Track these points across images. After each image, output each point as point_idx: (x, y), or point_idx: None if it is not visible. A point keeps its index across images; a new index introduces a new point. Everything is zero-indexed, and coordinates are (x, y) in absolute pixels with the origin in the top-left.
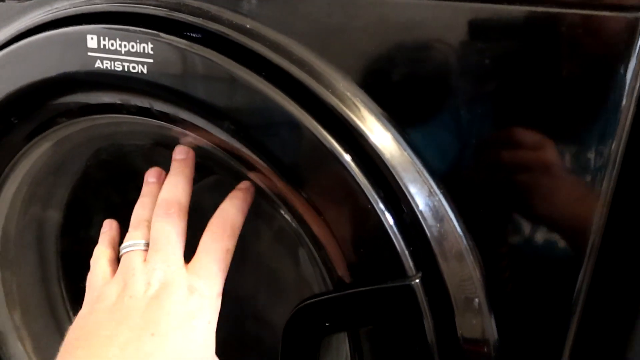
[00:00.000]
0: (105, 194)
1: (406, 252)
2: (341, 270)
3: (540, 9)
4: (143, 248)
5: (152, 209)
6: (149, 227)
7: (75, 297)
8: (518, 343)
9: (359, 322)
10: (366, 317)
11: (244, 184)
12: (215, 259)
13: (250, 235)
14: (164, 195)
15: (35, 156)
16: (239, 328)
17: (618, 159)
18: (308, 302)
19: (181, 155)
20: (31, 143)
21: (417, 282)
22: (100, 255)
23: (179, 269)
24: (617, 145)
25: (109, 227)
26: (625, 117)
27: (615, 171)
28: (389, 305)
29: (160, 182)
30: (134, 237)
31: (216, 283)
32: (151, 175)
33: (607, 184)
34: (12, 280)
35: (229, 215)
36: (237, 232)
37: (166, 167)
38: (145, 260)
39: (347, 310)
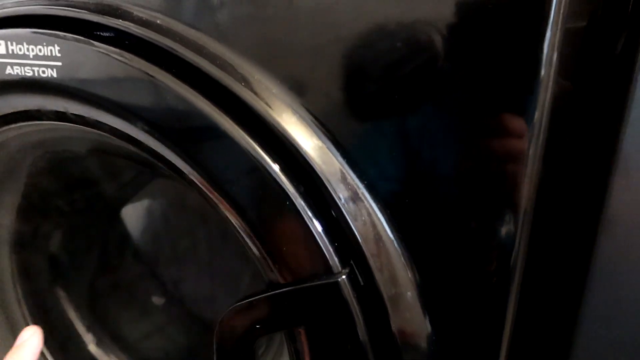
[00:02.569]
0: (52, 203)
1: (330, 249)
2: (270, 272)
3: None
4: None
5: None
6: None
7: (32, 302)
8: (453, 336)
9: (290, 323)
10: (296, 317)
11: (27, 332)
12: None
13: (203, 238)
14: None
15: None
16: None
17: (542, 135)
18: (237, 305)
19: (28, 334)
20: None
21: (343, 279)
22: None
23: None
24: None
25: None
26: (546, 88)
27: (538, 155)
28: (318, 303)
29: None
30: None
31: None
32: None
33: (531, 166)
34: None
35: None
36: None
37: (106, 174)
38: None
39: (276, 311)
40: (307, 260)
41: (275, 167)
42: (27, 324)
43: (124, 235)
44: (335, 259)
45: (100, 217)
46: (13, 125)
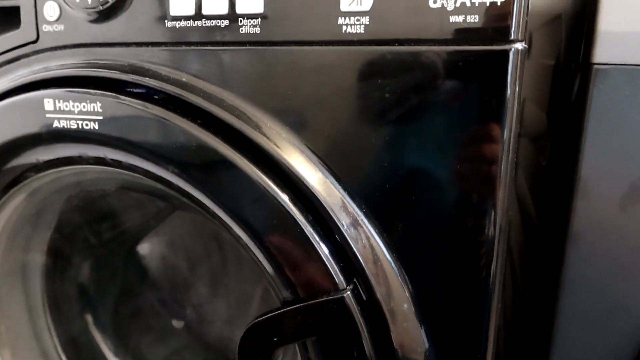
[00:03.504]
0: (82, 235)
1: (336, 268)
2: (283, 290)
3: (424, 48)
4: None
5: None
6: None
7: (62, 330)
8: (449, 349)
9: (303, 334)
10: (308, 329)
11: None
12: None
13: (218, 261)
14: None
15: (11, 208)
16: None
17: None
18: (256, 320)
19: None
20: (5, 197)
21: (348, 294)
22: None
23: None
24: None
25: None
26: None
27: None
28: (327, 316)
29: None
30: None
31: None
32: None
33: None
34: (0, 321)
35: None
36: None
37: (131, 208)
38: None
39: (290, 325)
40: (316, 279)
41: (286, 198)
42: (58, 352)
43: (146, 262)
44: (341, 277)
45: (123, 247)
46: (55, 169)
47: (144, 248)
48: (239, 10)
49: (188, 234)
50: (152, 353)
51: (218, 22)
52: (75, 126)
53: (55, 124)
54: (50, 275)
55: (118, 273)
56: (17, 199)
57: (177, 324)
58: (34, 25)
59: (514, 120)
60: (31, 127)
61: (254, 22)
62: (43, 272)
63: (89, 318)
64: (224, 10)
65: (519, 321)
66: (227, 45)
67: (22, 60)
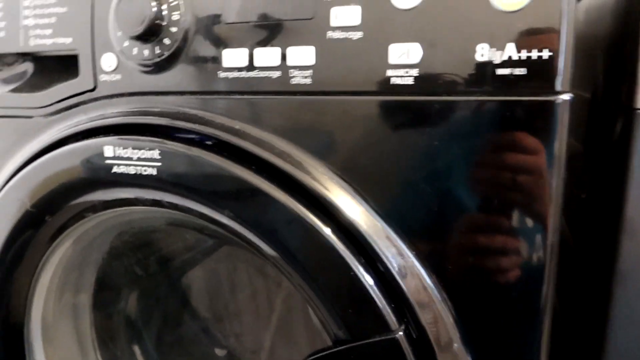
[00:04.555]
0: (130, 269)
1: (388, 309)
2: (335, 328)
3: (471, 98)
4: None
5: None
6: None
7: None
8: None
9: None
10: None
11: None
12: None
13: (262, 294)
14: None
15: (58, 256)
16: None
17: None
18: (311, 358)
19: None
20: (54, 245)
21: (400, 335)
22: None
23: None
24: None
25: None
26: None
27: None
28: (379, 356)
29: None
30: None
31: None
32: None
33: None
34: (53, 354)
35: None
36: None
37: (179, 243)
38: None
39: None
40: (368, 320)
41: (339, 242)
42: None
43: (190, 291)
44: (393, 317)
45: (169, 277)
46: (111, 210)
47: (189, 278)
48: (290, 62)
49: (233, 266)
50: None
51: (269, 73)
52: (133, 172)
53: (115, 169)
54: (98, 311)
55: (161, 301)
56: (65, 246)
57: (219, 352)
58: (92, 75)
59: (562, 167)
60: (91, 172)
61: (305, 73)
62: (91, 308)
63: (137, 349)
64: (275, 62)
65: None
66: (279, 95)
67: (80, 107)
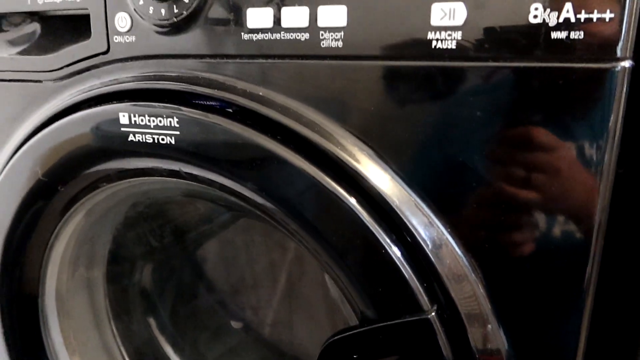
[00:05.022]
0: (144, 239)
1: (420, 289)
2: (364, 307)
3: (521, 64)
4: None
5: None
6: None
7: (124, 335)
8: (530, 351)
9: (384, 354)
10: (390, 349)
11: None
12: None
13: (279, 266)
14: None
15: (70, 229)
16: (276, 352)
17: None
18: (337, 337)
19: None
20: (66, 216)
21: (433, 316)
22: None
23: None
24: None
25: None
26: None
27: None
28: (410, 337)
29: None
30: None
31: None
32: None
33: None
34: (69, 326)
35: None
36: None
37: (196, 215)
38: None
39: (371, 343)
40: (400, 299)
41: (370, 218)
42: (124, 356)
43: (206, 263)
44: (425, 297)
45: (185, 249)
46: (127, 180)
47: (205, 249)
48: (321, 23)
49: (251, 238)
50: (209, 350)
51: (298, 35)
52: (150, 140)
53: (131, 138)
54: (112, 284)
55: (176, 273)
56: (77, 218)
57: (235, 324)
58: (105, 36)
59: (616, 140)
60: (106, 140)
61: (336, 35)
62: (105, 282)
63: (152, 321)
64: (304, 23)
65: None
66: (307, 59)
67: (92, 71)
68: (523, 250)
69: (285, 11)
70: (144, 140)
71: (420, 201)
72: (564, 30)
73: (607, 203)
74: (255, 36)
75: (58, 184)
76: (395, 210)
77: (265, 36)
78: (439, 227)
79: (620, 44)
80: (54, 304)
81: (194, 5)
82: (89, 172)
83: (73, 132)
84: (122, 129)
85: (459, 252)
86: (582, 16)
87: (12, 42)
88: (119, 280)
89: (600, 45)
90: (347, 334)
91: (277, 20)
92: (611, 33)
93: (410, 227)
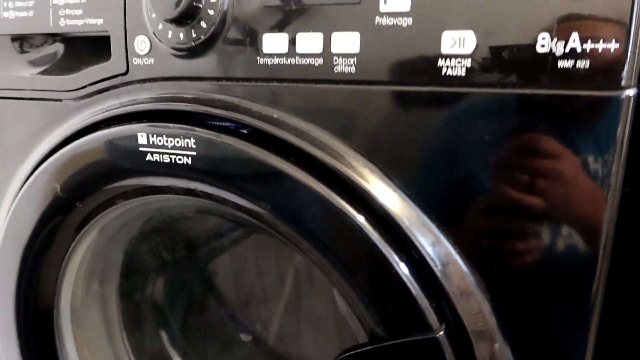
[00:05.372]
0: (157, 253)
1: (430, 309)
2: (373, 324)
3: (529, 91)
4: None
5: None
6: None
7: (136, 347)
8: None
9: None
10: None
11: None
12: None
13: (289, 280)
14: None
15: (85, 246)
16: None
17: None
18: (346, 354)
19: None
20: (80, 234)
21: (442, 335)
22: None
23: None
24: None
25: None
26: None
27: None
28: (419, 355)
29: None
30: None
31: None
32: None
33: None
34: (82, 338)
35: None
36: None
37: (208, 230)
38: None
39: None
40: (409, 318)
41: (380, 238)
42: None
43: (217, 277)
44: (434, 316)
45: (197, 263)
46: (143, 197)
47: (216, 263)
48: (334, 49)
49: (261, 252)
50: None
51: (312, 61)
52: (168, 160)
53: (148, 157)
54: (125, 298)
55: (187, 286)
56: (91, 235)
57: (245, 337)
58: (124, 58)
59: (621, 167)
60: (124, 159)
61: (349, 61)
62: (118, 296)
63: (163, 334)
64: (318, 49)
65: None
66: (320, 83)
67: (112, 92)
68: (528, 268)
69: (300, 37)
70: (162, 160)
71: (428, 220)
72: (571, 59)
73: (613, 222)
74: (270, 60)
75: (76, 201)
76: (404, 230)
77: (280, 61)
78: (446, 246)
79: (625, 72)
80: (69, 317)
81: (211, 30)
82: (106, 189)
83: (92, 151)
84: (140, 148)
85: (466, 269)
86: (588, 46)
87: (34, 63)
88: (132, 294)
89: (606, 74)
90: (357, 351)
91: (292, 45)
92: (616, 62)
93: (418, 245)
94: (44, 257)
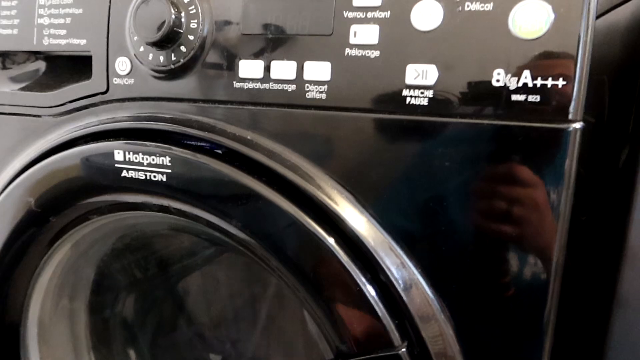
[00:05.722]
0: (129, 270)
1: (392, 326)
2: (338, 341)
3: (485, 121)
4: None
5: None
6: None
7: None
8: None
9: None
10: None
11: None
12: None
13: (259, 300)
14: None
15: (57, 260)
16: None
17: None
18: None
19: None
20: (52, 249)
21: (403, 351)
22: None
23: None
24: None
25: None
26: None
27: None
28: None
29: None
30: None
31: None
32: None
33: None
34: (48, 355)
35: None
36: None
37: (180, 248)
38: None
39: None
40: (373, 335)
41: (346, 257)
42: None
43: (187, 296)
44: (397, 334)
45: (168, 281)
46: (117, 213)
47: (186, 282)
48: (307, 77)
49: (232, 272)
50: None
51: (285, 86)
52: (143, 177)
53: (124, 174)
54: (94, 314)
55: (157, 305)
56: (63, 250)
57: (214, 358)
58: (105, 77)
59: (570, 192)
60: (100, 175)
61: (320, 88)
62: (88, 312)
63: (132, 352)
64: (291, 75)
65: None
66: (293, 108)
67: (91, 109)
68: (488, 293)
69: (275, 64)
70: (137, 177)
71: (394, 243)
72: (523, 93)
73: (563, 246)
74: (246, 85)
75: (50, 215)
76: (370, 251)
77: (255, 85)
78: (410, 268)
79: (572, 107)
80: (36, 332)
81: (190, 54)
82: (81, 204)
83: (69, 166)
84: (117, 165)
85: (429, 293)
86: (539, 82)
87: (15, 79)
88: (101, 311)
89: (555, 108)
90: None
91: (267, 71)
92: (564, 98)
93: (384, 267)
94: (15, 270)
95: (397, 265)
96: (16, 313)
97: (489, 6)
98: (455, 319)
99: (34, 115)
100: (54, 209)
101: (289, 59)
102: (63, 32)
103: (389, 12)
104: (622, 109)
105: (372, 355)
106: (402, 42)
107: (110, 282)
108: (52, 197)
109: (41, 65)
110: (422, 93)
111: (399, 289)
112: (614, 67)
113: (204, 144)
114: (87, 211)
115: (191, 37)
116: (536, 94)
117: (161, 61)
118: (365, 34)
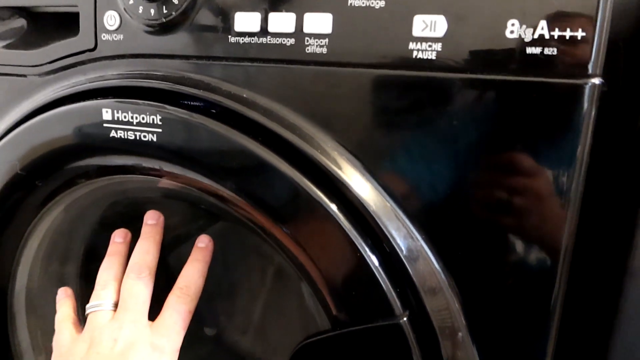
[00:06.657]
0: None
1: (393, 294)
2: (336, 310)
3: (497, 77)
4: (110, 308)
5: (119, 269)
6: (115, 288)
7: None
8: None
9: (355, 358)
10: (361, 353)
11: (203, 240)
12: (178, 319)
13: (256, 273)
14: (137, 259)
15: (48, 222)
16: None
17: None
18: (308, 341)
19: (152, 221)
20: (44, 210)
21: (404, 321)
22: (64, 318)
23: (144, 327)
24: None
25: (64, 295)
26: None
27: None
28: (381, 341)
29: (127, 243)
30: (101, 297)
31: (177, 340)
32: (118, 236)
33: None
34: (37, 325)
35: (192, 279)
36: (199, 295)
37: (173, 217)
38: (112, 318)
39: (343, 347)
40: (372, 303)
41: (347, 222)
42: None
43: (179, 268)
44: (398, 302)
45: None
46: (106, 177)
47: (180, 253)
48: (306, 30)
49: (227, 243)
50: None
51: (283, 40)
52: (132, 137)
53: (112, 134)
54: (85, 282)
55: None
56: (55, 212)
57: (209, 331)
58: (93, 34)
59: (585, 156)
60: (87, 136)
61: (321, 42)
62: (78, 279)
63: None
64: (290, 29)
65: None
66: (292, 64)
67: (78, 68)
68: (498, 270)
69: (273, 16)
70: (126, 137)
71: (400, 211)
72: (539, 46)
73: (574, 222)
74: (242, 40)
75: (36, 179)
76: (372, 215)
77: (252, 40)
78: (417, 240)
79: (591, 61)
80: (23, 302)
81: (183, 6)
82: (68, 168)
83: (54, 127)
84: (105, 124)
85: (436, 265)
86: (556, 33)
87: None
88: (92, 279)
89: (573, 61)
90: (319, 337)
91: (264, 25)
92: (583, 51)
93: (386, 233)
94: (2, 235)
95: (404, 235)
96: (4, 281)
97: None
98: (462, 294)
99: (20, 75)
100: (39, 173)
101: (287, 10)
102: None
103: None
104: (638, 76)
105: (371, 325)
106: None
107: (102, 251)
108: (37, 160)
109: (25, 22)
110: (429, 46)
111: (402, 256)
112: (630, 34)
113: (196, 103)
114: (76, 175)
115: None
116: (553, 47)
117: (152, 14)
118: None
